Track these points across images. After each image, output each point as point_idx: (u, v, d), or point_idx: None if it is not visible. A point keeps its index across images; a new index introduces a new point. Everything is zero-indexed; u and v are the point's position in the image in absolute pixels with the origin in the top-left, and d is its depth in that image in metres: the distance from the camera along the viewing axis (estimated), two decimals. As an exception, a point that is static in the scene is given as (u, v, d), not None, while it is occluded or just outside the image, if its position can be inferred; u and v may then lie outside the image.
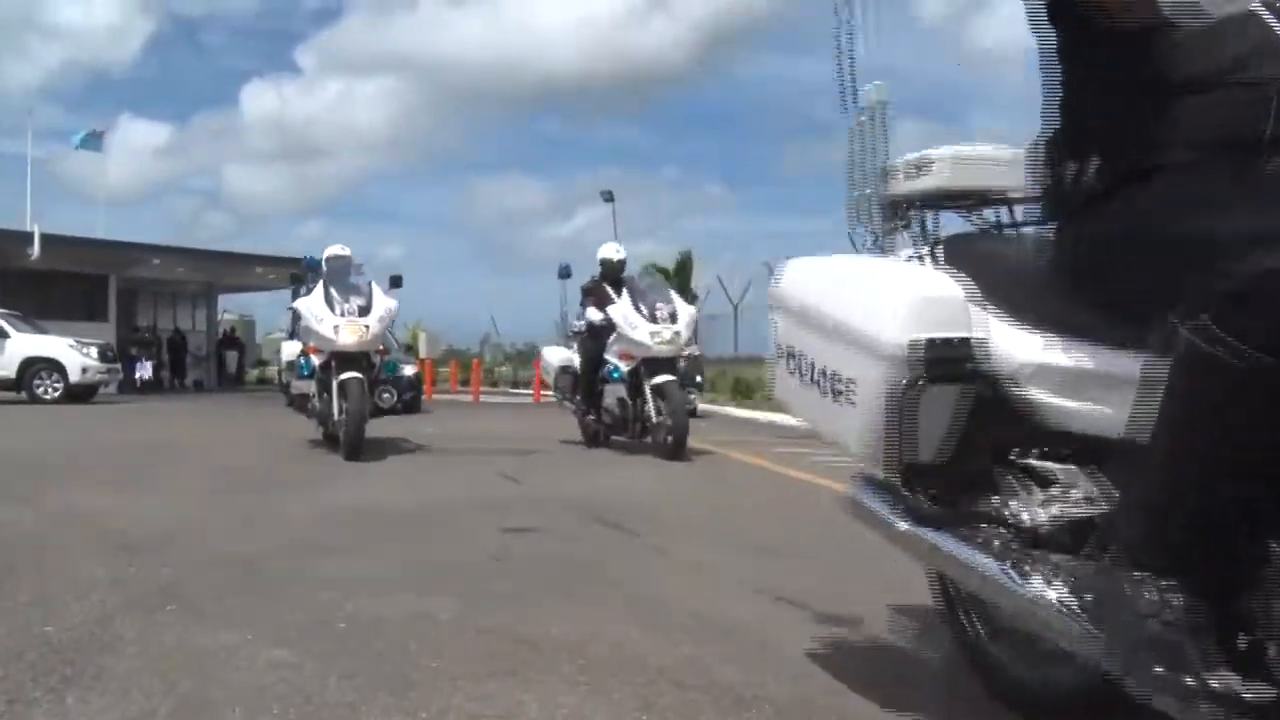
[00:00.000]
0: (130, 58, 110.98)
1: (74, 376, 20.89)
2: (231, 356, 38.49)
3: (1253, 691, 1.60)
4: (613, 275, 11.06)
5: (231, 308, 42.89)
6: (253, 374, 39.12)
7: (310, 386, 10.26)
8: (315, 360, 9.79)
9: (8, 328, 20.88)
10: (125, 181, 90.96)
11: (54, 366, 20.76)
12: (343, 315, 9.38)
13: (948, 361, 2.16)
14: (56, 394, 20.56)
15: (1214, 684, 1.60)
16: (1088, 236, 1.96)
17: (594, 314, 10.79)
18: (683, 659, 3.09)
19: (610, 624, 3.49)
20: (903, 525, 2.34)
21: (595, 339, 10.79)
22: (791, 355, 2.61)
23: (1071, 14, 1.90)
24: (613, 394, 10.48)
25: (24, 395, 20.48)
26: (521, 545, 5.10)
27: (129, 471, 8.19)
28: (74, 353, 21.12)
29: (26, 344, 20.94)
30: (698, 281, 35.87)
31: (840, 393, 2.36)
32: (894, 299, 2.26)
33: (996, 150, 3.02)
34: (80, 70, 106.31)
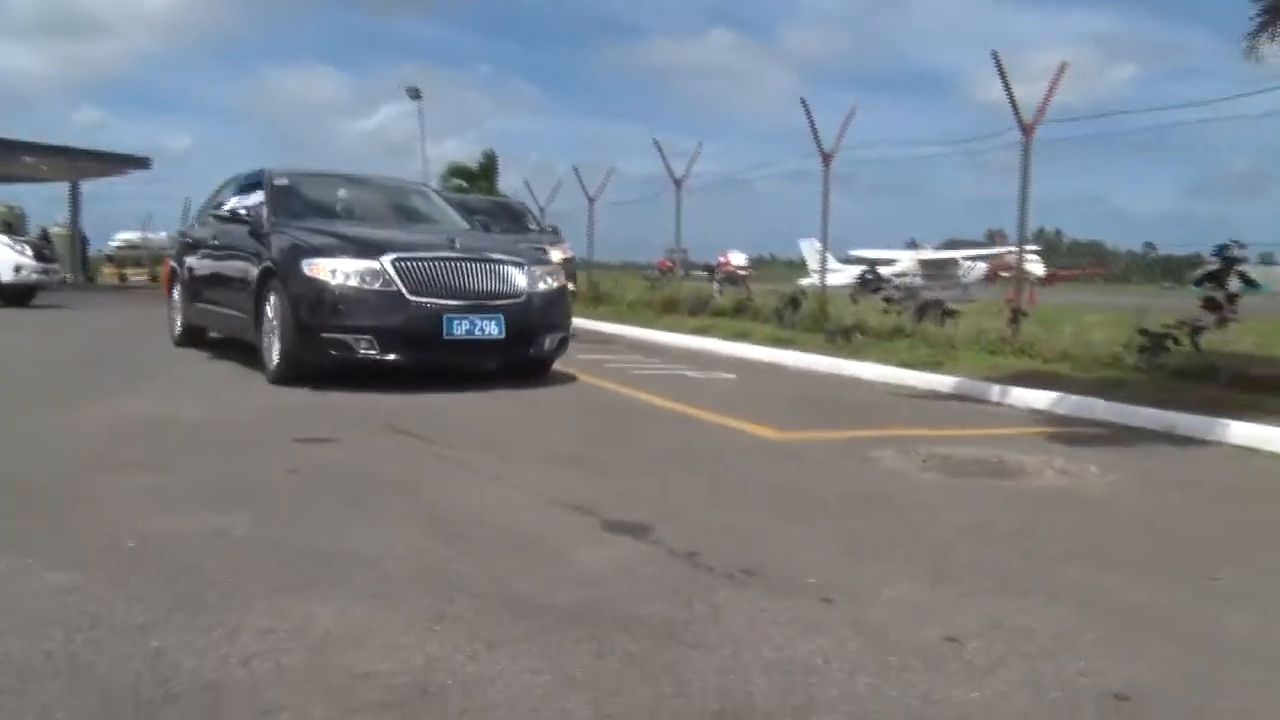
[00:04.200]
0: None
1: (5, 277, 18.16)
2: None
3: None
4: None
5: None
6: None
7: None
8: None
9: None
10: None
11: None
12: None
13: None
14: None
15: None
16: None
17: None
18: (477, 569, 3.21)
19: (406, 537, 3.58)
20: None
21: None
22: None
23: None
24: None
25: None
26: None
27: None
28: (7, 250, 18.35)
29: None
30: (504, 183, 35.42)
31: None
32: None
33: None
34: None
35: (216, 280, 9.69)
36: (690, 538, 3.66)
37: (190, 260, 10.58)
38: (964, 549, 3.70)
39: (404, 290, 7.47)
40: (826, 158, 13.44)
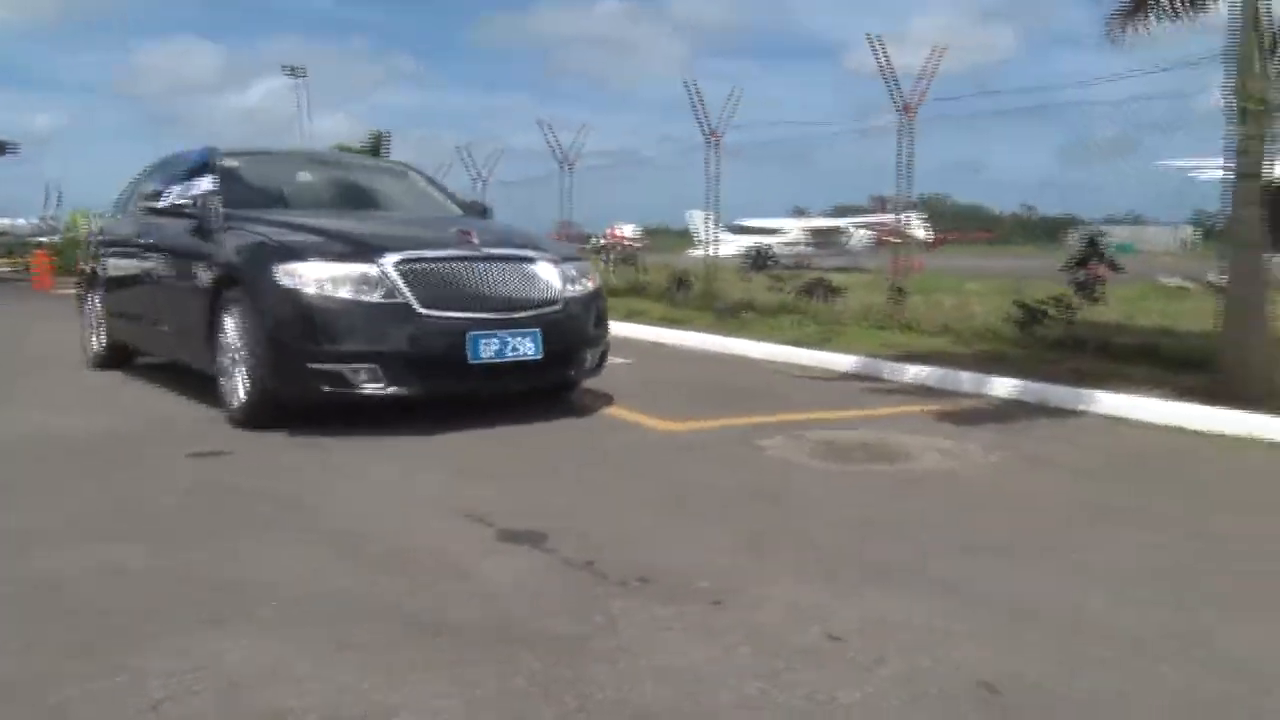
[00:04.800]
0: None
1: None
2: None
3: None
4: None
5: None
6: None
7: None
8: None
9: None
10: None
11: None
12: None
13: None
14: None
15: None
16: None
17: None
18: (377, 589, 3.28)
19: (303, 558, 3.61)
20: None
21: None
22: None
23: None
24: None
25: None
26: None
27: None
28: None
29: None
30: (391, 163, 34.61)
31: None
32: None
33: None
34: None
35: (150, 290, 7.63)
36: (585, 545, 3.77)
37: (111, 263, 8.52)
38: (847, 542, 3.89)
39: (414, 302, 5.85)
40: (713, 136, 13.63)
